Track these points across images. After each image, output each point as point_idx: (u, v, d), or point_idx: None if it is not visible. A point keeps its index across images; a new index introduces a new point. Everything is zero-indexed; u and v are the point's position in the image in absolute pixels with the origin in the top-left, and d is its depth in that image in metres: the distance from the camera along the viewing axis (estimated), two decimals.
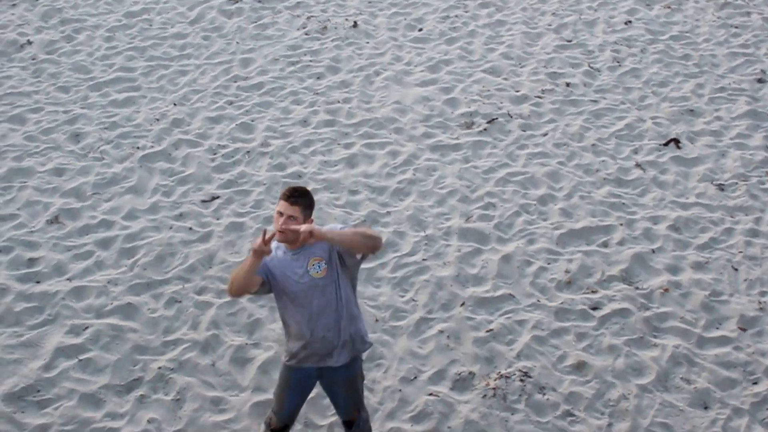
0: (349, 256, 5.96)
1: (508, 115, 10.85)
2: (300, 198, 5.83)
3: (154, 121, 10.56)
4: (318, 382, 6.38)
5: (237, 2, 13.12)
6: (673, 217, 9.29)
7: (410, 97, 11.15)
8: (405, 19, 12.90)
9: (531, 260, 8.70)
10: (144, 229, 8.95)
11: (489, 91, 11.31)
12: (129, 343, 7.73)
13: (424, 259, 8.69)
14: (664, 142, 10.46)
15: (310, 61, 11.88)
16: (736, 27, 12.99)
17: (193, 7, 13.02)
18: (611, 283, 8.47)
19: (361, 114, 10.80)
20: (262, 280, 5.89)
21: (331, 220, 9.03)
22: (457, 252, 8.78)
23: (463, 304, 8.20)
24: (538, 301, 8.26)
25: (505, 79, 11.60)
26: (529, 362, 7.63)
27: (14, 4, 12.97)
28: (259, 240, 5.62)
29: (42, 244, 8.74)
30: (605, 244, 8.94)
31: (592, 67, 11.90)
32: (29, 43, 12.06)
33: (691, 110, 11.08)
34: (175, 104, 10.89)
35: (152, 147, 10.12)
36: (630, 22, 13.04)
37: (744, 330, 8.05)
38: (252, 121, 10.62)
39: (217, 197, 9.42)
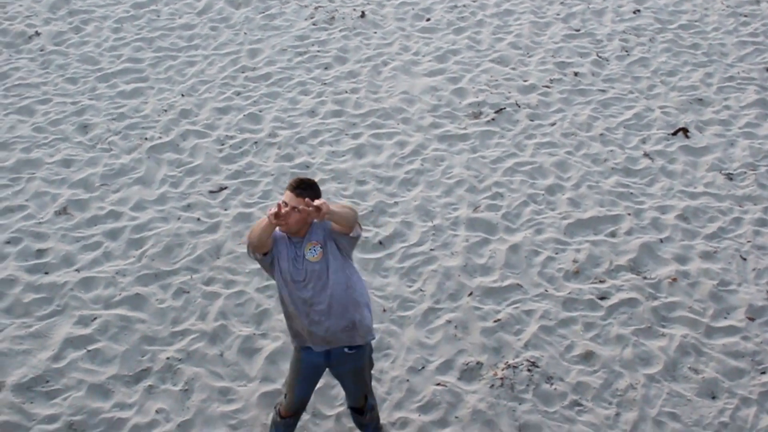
0: (341, 236, 5.95)
1: (516, 104, 10.83)
2: (307, 190, 5.83)
3: (162, 112, 10.57)
4: (328, 371, 6.40)
5: None
6: (681, 207, 9.27)
7: (418, 87, 11.13)
8: (413, 9, 12.88)
9: (539, 250, 8.69)
10: (152, 219, 8.97)
11: (497, 80, 11.29)
12: (137, 333, 7.75)
13: (431, 249, 8.69)
14: (672, 131, 10.43)
15: (318, 51, 11.87)
16: (746, 16, 12.94)
17: None
18: (619, 273, 8.46)
19: (368, 104, 10.80)
20: (270, 249, 5.92)
21: None
22: (465, 242, 8.77)
23: (470, 294, 8.20)
24: (546, 291, 8.26)
25: (513, 68, 11.58)
26: (536, 352, 7.63)
27: None
28: (273, 210, 5.61)
29: (50, 235, 8.77)
30: (613, 234, 8.93)
31: (600, 57, 11.86)
32: (37, 34, 12.07)
33: (700, 99, 11.05)
34: (182, 95, 10.90)
35: (160, 138, 10.13)
36: (639, 11, 13.00)
37: (752, 320, 8.03)
38: (260, 111, 10.62)
39: (225, 188, 9.43)
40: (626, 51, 12.00)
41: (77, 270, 8.38)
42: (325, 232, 5.96)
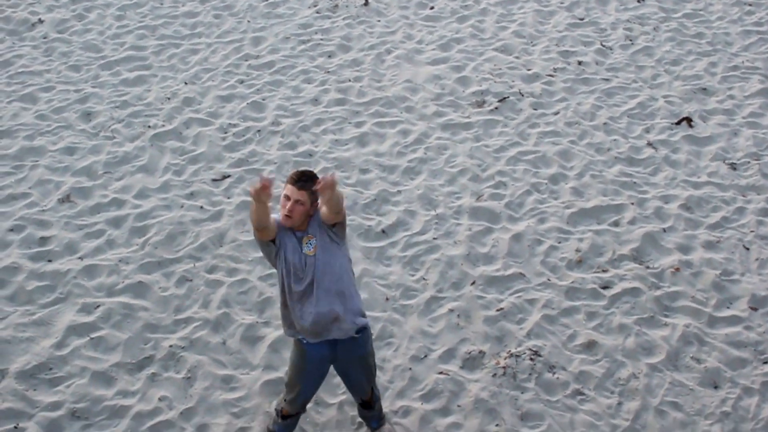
0: (329, 225, 5.96)
1: (520, 93, 10.81)
2: (307, 182, 5.82)
3: (165, 100, 10.56)
4: (332, 366, 6.38)
5: None
6: (684, 197, 9.25)
7: (421, 75, 11.12)
8: None
9: (542, 239, 8.69)
10: (155, 207, 8.97)
11: (500, 69, 11.27)
12: (140, 321, 7.76)
13: (434, 238, 8.69)
14: (676, 120, 10.42)
15: (321, 39, 11.85)
16: (750, 5, 12.90)
17: None
18: (622, 263, 8.46)
19: (372, 93, 10.78)
20: (275, 235, 5.91)
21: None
22: (468, 231, 8.77)
23: (473, 283, 8.20)
24: (549, 280, 8.26)
25: (517, 57, 11.55)
26: (539, 341, 7.63)
27: None
28: (256, 186, 5.62)
29: (54, 223, 8.77)
30: (616, 224, 8.92)
31: (604, 46, 11.84)
32: (40, 21, 12.06)
33: (704, 89, 11.02)
34: (186, 83, 10.89)
35: (163, 126, 10.13)
36: (643, 0, 12.97)
37: (755, 309, 8.03)
38: (263, 99, 10.61)
39: (228, 176, 9.43)
40: (630, 40, 11.97)
41: (80, 258, 8.39)
42: (318, 224, 5.96)
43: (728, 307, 8.07)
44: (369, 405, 6.57)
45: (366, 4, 12.60)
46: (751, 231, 8.87)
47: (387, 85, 10.93)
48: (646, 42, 11.92)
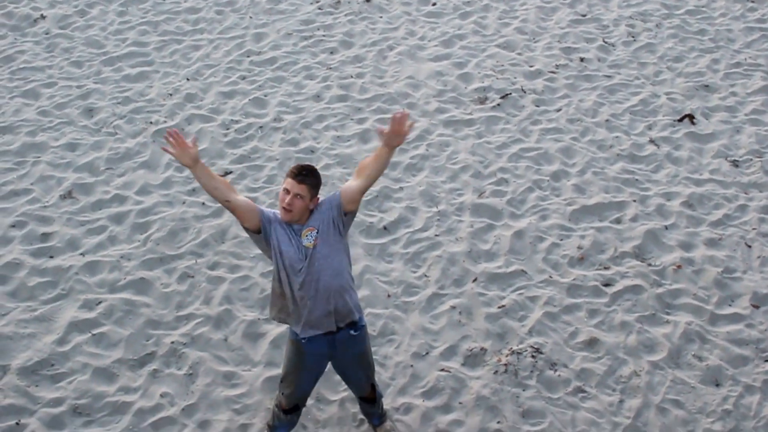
0: (348, 213, 5.94)
1: (522, 90, 10.80)
2: (308, 176, 5.79)
3: (167, 96, 10.56)
4: (330, 363, 6.38)
5: None
6: (686, 194, 9.25)
7: (423, 72, 11.11)
8: None
9: (543, 236, 8.69)
10: (157, 204, 8.98)
11: (503, 66, 11.26)
12: (142, 317, 7.77)
13: (436, 235, 8.69)
14: (678, 117, 10.41)
15: (323, 35, 11.84)
16: (753, 1, 12.88)
17: None
18: (624, 260, 8.45)
19: (374, 89, 10.78)
20: (258, 223, 5.87)
21: None
22: (470, 228, 8.77)
23: (475, 280, 8.20)
24: (551, 277, 8.26)
25: (519, 53, 11.54)
26: (540, 338, 7.64)
27: None
28: (172, 149, 5.69)
29: (55, 219, 8.78)
30: (618, 221, 8.92)
31: (606, 42, 11.83)
32: (42, 17, 12.05)
33: (706, 86, 11.01)
34: (188, 79, 10.89)
35: (165, 122, 10.13)
36: None
37: (757, 307, 8.03)
38: (265, 96, 10.61)
39: (230, 172, 9.43)
40: (632, 36, 11.96)
41: (82, 254, 8.40)
42: (329, 213, 5.90)
43: (730, 305, 8.07)
44: (371, 400, 6.56)
45: (368, 0, 12.59)
46: (753, 228, 8.87)
47: (389, 82, 10.92)
48: (648, 39, 11.91)
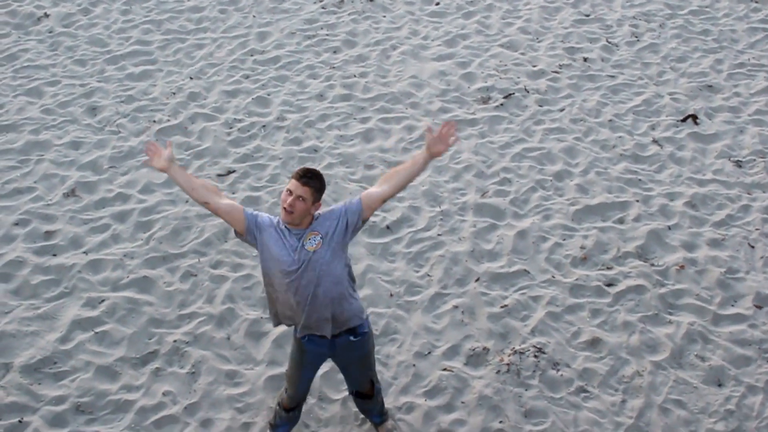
0: (362, 221, 5.95)
1: (525, 90, 10.80)
2: (312, 180, 5.79)
3: (171, 95, 10.56)
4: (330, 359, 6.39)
5: None
6: (689, 194, 9.24)
7: (427, 71, 11.11)
8: None
9: (546, 236, 8.69)
10: (160, 202, 8.98)
11: (506, 65, 11.26)
12: (145, 316, 7.77)
13: (439, 235, 8.69)
14: (681, 118, 10.40)
15: (327, 35, 11.84)
16: (756, 2, 12.87)
17: None
18: (626, 260, 8.45)
19: (377, 88, 10.78)
20: (242, 225, 5.91)
21: (347, 194, 9.03)
22: (473, 227, 8.77)
23: (477, 280, 8.20)
24: (553, 277, 8.26)
25: (523, 53, 11.54)
26: (543, 338, 7.63)
27: None
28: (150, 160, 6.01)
29: (59, 217, 8.78)
30: (621, 221, 8.91)
31: (610, 42, 11.82)
32: (46, 16, 12.07)
33: (710, 86, 11.00)
34: (191, 78, 10.89)
35: (168, 121, 10.13)
36: None
37: (759, 308, 8.02)
38: (268, 95, 10.61)
39: (233, 171, 9.43)
40: (636, 37, 11.96)
41: (85, 252, 8.40)
42: (344, 220, 5.88)
43: (733, 305, 8.07)
44: (366, 396, 6.55)
45: None
46: (756, 229, 8.86)
47: (392, 81, 10.92)
48: (651, 39, 11.91)
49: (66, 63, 11.13)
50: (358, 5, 12.50)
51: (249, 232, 5.92)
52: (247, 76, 10.95)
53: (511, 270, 8.31)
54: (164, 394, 7.12)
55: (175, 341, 7.54)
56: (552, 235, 8.71)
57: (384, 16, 12.29)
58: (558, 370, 7.36)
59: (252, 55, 11.36)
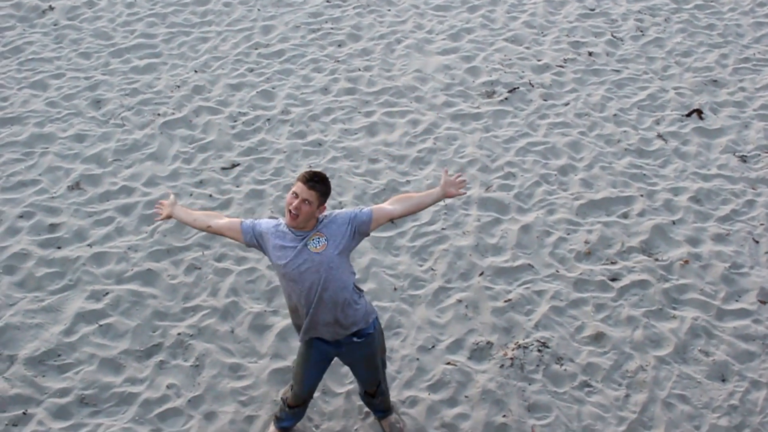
0: (369, 231, 6.03)
1: (530, 84, 10.79)
2: (319, 184, 5.80)
3: (175, 88, 10.56)
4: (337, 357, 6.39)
5: None
6: (694, 189, 9.23)
7: (431, 65, 11.10)
8: None
9: (550, 230, 8.68)
10: (164, 195, 8.98)
11: (510, 60, 11.24)
12: (149, 309, 7.78)
13: (443, 229, 8.68)
14: (686, 112, 10.39)
15: (331, 28, 11.83)
16: None
17: None
18: (631, 255, 8.44)
19: (381, 82, 10.77)
20: (244, 240, 6.08)
21: (351, 188, 9.03)
22: (477, 221, 8.77)
23: (481, 274, 8.20)
24: (557, 271, 8.25)
25: (527, 47, 11.52)
26: (547, 332, 7.63)
27: None
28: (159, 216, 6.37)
29: (63, 210, 8.79)
30: (625, 215, 8.91)
31: (615, 37, 11.80)
32: (51, 8, 12.06)
33: (715, 81, 10.98)
34: (196, 71, 10.89)
35: (173, 114, 10.13)
36: None
37: (764, 303, 8.01)
38: (273, 88, 10.61)
39: (237, 164, 9.43)
40: (641, 31, 11.93)
41: (89, 245, 8.41)
42: (351, 227, 5.90)
43: (737, 300, 8.06)
44: (372, 396, 6.57)
45: None
46: (761, 224, 8.85)
47: (397, 75, 10.91)
48: (656, 33, 11.88)
49: (71, 56, 11.13)
50: None
51: (251, 242, 6.07)
52: (251, 70, 10.95)
53: (515, 264, 8.31)
54: (168, 386, 7.13)
55: (179, 334, 7.55)
56: (556, 229, 8.70)
57: (389, 10, 12.28)
58: (562, 365, 7.36)
59: (257, 49, 11.35)
